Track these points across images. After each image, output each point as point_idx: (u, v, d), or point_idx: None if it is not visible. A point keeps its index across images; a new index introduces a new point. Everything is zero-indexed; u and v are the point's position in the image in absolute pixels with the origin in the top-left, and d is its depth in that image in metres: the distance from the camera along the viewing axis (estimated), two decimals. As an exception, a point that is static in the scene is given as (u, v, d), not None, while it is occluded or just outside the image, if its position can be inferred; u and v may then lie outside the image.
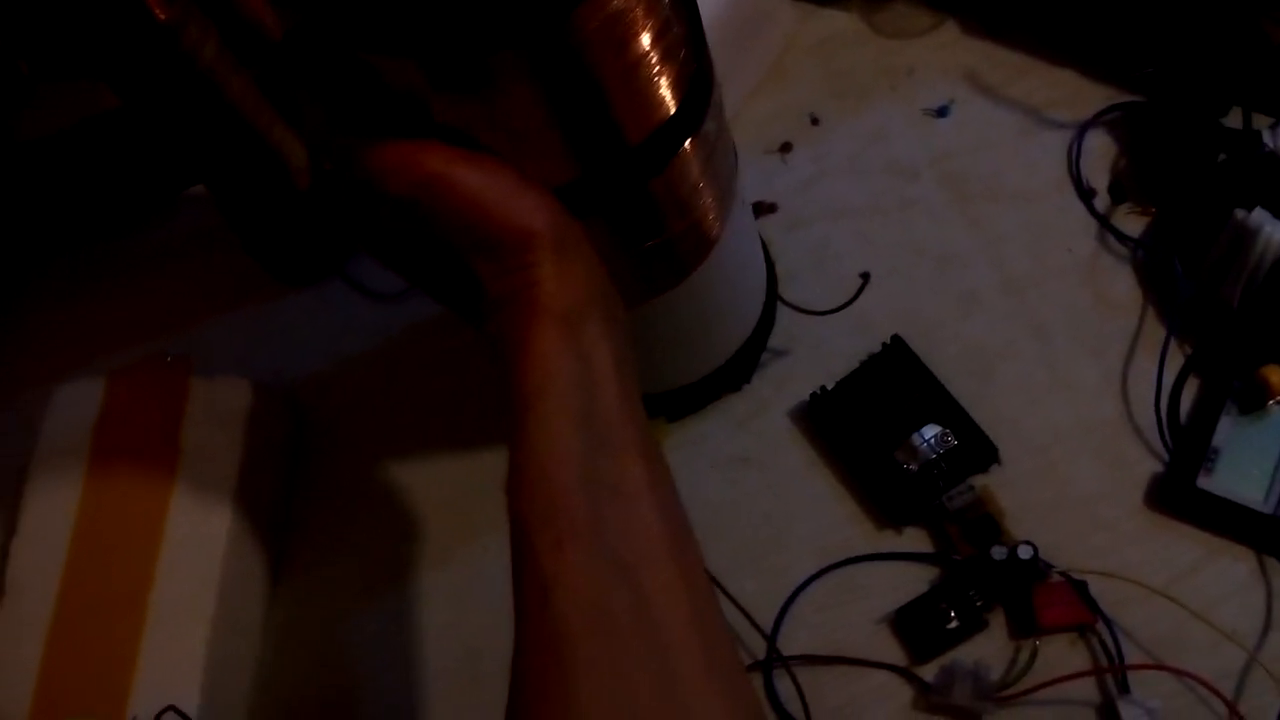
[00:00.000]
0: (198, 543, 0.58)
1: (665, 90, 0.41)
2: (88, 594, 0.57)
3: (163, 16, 0.55)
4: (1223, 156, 0.63)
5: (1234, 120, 0.65)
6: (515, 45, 0.35)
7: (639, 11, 0.37)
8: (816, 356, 0.64)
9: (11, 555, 0.58)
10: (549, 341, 0.38)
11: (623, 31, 0.37)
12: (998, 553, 0.55)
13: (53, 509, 0.59)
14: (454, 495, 0.64)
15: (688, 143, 0.44)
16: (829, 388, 0.62)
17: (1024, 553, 0.55)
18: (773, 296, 0.64)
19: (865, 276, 0.60)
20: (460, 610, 0.61)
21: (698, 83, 0.43)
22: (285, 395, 0.68)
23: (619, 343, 0.40)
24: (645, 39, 0.38)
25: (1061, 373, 0.62)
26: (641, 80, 0.39)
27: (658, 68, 0.39)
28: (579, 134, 0.39)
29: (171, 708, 0.53)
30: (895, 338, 0.63)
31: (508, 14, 0.34)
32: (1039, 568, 0.55)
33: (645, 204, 0.44)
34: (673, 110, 0.42)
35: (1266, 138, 0.61)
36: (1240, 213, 0.58)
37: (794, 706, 0.56)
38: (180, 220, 0.77)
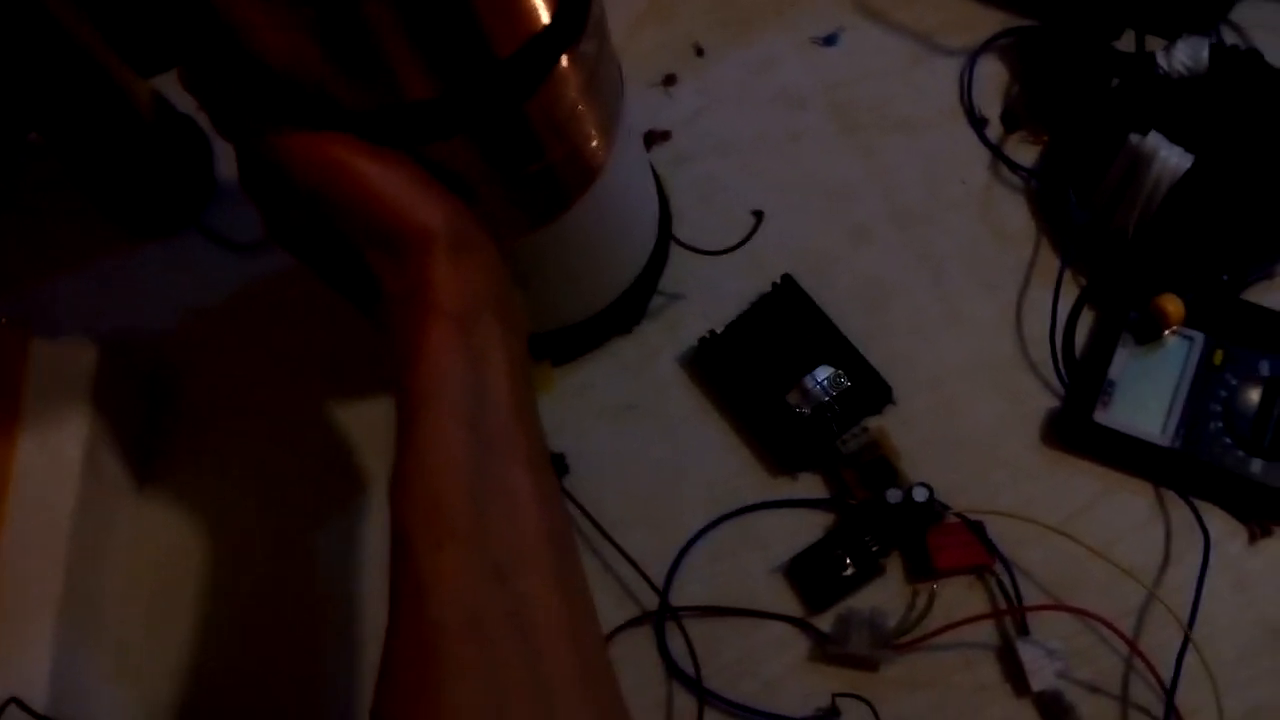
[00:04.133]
0: (43, 517, 0.55)
1: (537, -1, 0.37)
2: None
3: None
4: (1116, 81, 0.62)
5: (1127, 43, 0.63)
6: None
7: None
8: (708, 298, 0.62)
9: None
10: (441, 343, 0.38)
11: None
12: (893, 496, 0.54)
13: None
14: (324, 452, 0.61)
15: (564, 59, 0.40)
16: (718, 331, 0.60)
17: (919, 495, 0.54)
18: (666, 234, 0.62)
19: (758, 215, 0.57)
20: (333, 579, 0.57)
21: (574, -8, 0.39)
22: (139, 354, 0.63)
23: (514, 348, 0.41)
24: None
25: (955, 307, 0.61)
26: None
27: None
28: (438, 43, 0.36)
29: (14, 700, 0.50)
30: (785, 277, 0.60)
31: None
32: (935, 510, 0.54)
33: (519, 125, 0.41)
34: (546, 21, 0.38)
35: (1160, 60, 0.61)
36: (1134, 137, 0.56)
37: (686, 662, 0.54)
38: (14, 171, 0.70)
